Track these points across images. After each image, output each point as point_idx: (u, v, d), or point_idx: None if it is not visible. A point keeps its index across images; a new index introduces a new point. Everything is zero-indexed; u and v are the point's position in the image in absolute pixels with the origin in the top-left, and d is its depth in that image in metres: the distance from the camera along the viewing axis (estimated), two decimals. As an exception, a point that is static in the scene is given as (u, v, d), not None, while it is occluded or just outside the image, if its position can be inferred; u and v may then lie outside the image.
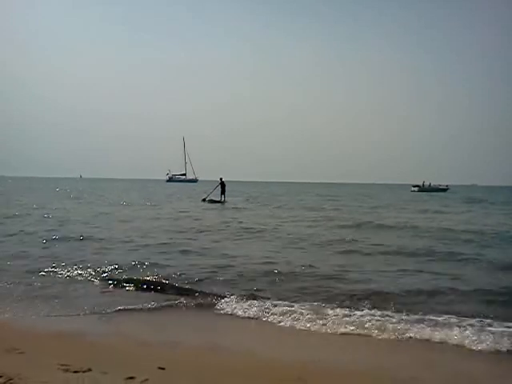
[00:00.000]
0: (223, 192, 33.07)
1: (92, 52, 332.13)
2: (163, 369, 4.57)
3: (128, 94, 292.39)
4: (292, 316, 6.57)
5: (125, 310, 6.92)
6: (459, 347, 5.57)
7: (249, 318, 6.71)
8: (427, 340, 5.78)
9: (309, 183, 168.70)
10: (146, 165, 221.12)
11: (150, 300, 7.35)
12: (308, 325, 6.31)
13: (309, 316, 6.52)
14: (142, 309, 7.00)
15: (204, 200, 33.64)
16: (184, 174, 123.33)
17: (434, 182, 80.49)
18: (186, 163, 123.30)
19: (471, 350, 5.50)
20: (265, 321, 6.58)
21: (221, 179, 32.94)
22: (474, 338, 5.67)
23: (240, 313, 6.84)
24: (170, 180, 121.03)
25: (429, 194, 68.23)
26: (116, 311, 6.86)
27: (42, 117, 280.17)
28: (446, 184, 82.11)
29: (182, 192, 56.91)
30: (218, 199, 32.90)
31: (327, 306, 7.00)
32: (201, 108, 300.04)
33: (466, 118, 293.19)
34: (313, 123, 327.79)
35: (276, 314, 6.68)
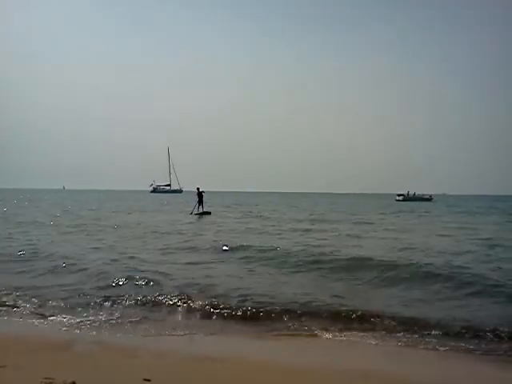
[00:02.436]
0: (201, 202, 31.86)
1: (74, 60, 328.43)
2: (149, 380, 4.51)
3: (112, 102, 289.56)
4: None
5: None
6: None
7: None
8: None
9: (295, 193, 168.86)
10: (130, 175, 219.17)
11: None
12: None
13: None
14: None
15: (192, 213, 31.82)
16: (169, 185, 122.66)
17: (418, 192, 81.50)
18: (170, 174, 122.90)
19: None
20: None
21: (198, 189, 31.61)
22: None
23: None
24: (155, 191, 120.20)
25: (414, 203, 69.00)
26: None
27: (23, 127, 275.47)
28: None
29: (163, 203, 56.39)
30: (200, 211, 31.59)
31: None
32: (187, 117, 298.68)
33: (436, 131, 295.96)
34: (302, 131, 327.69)
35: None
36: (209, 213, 31.91)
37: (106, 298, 8.11)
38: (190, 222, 26.11)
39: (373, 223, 26.73)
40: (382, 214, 38.55)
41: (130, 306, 7.81)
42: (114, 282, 9.27)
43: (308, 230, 21.21)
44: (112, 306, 7.78)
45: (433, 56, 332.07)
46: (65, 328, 6.59)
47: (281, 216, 33.10)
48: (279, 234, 19.70)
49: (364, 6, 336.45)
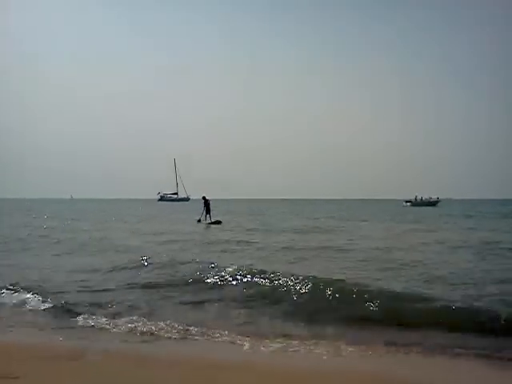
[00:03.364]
0: (208, 211, 30.84)
1: (81, 70, 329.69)
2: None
3: (120, 110, 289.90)
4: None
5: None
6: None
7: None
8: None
9: (305, 200, 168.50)
10: (137, 184, 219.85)
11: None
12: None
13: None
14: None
15: (199, 221, 31.11)
16: (176, 193, 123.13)
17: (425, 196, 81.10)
18: (177, 183, 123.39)
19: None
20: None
21: (204, 198, 30.77)
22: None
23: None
24: (162, 199, 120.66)
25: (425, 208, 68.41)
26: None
27: (29, 136, 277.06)
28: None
29: (170, 212, 56.51)
30: (209, 220, 30.44)
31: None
32: (194, 124, 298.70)
33: (440, 135, 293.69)
34: (310, 136, 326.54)
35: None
36: (219, 222, 30.50)
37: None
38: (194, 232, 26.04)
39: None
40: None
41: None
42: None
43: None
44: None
45: (433, 56, 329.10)
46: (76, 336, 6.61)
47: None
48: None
49: (364, 5, 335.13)
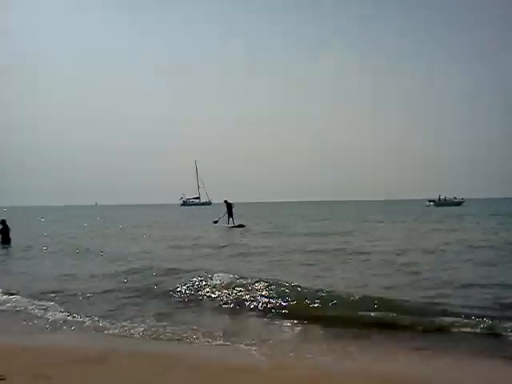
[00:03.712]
0: (230, 215, 30.60)
1: (102, 80, 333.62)
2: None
3: (140, 116, 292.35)
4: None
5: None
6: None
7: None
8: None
9: (328, 201, 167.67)
10: (159, 189, 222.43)
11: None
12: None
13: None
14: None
15: (215, 222, 31.41)
16: (198, 198, 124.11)
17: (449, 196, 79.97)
18: (199, 187, 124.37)
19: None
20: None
21: (226, 201, 30.64)
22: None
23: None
24: (184, 204, 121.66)
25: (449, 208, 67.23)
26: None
27: (53, 145, 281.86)
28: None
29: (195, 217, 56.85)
30: (231, 224, 30.24)
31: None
32: (215, 127, 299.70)
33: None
34: (330, 138, 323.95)
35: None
36: (243, 225, 30.31)
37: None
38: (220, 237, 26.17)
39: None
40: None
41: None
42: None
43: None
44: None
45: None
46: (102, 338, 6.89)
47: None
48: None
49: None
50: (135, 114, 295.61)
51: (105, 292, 10.16)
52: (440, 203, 76.84)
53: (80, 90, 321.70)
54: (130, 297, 9.72)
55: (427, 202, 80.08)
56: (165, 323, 7.58)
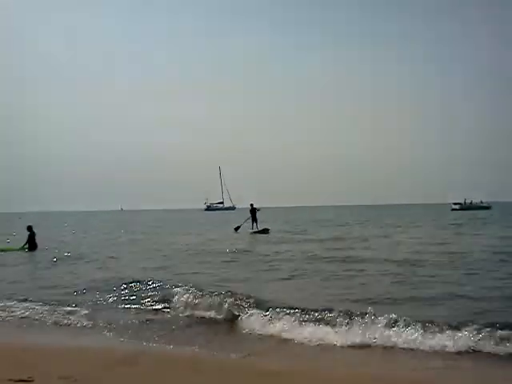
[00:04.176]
0: (254, 220, 29.50)
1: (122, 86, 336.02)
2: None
3: (162, 122, 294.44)
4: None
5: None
6: None
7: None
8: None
9: (349, 206, 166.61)
10: (183, 193, 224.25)
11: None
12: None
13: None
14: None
15: (236, 229, 30.26)
16: (222, 203, 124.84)
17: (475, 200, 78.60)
18: (222, 192, 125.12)
19: None
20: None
21: (251, 205, 29.68)
22: None
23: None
24: (208, 209, 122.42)
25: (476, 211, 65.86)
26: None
27: (79, 149, 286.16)
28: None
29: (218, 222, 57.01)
30: (255, 229, 28.95)
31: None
32: (238, 132, 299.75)
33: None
34: (345, 142, 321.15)
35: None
36: (267, 230, 28.89)
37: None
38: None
39: None
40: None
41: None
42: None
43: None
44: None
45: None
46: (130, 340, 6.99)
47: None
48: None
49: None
50: (160, 117, 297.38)
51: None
52: (466, 207, 75.55)
53: (100, 91, 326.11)
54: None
55: (452, 205, 78.67)
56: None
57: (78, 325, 8.12)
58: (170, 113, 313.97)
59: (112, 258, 17.42)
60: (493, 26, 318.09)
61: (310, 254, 16.90)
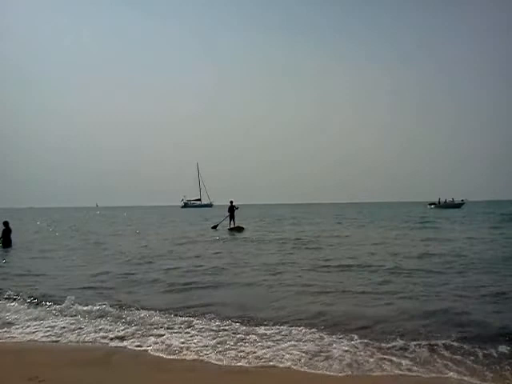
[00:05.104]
0: (232, 217, 29.58)
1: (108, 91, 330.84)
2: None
3: (141, 117, 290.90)
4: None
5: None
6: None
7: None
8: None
9: (329, 204, 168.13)
10: (160, 191, 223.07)
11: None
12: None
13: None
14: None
15: (214, 227, 30.52)
16: (199, 200, 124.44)
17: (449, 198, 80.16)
18: (200, 188, 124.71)
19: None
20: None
21: (231, 202, 29.53)
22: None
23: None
24: (185, 206, 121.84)
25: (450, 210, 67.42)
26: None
27: (51, 146, 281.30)
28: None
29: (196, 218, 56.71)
30: (232, 226, 29.19)
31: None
32: (215, 130, 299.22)
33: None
34: (328, 141, 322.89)
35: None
36: (241, 228, 29.09)
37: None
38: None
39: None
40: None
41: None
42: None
43: None
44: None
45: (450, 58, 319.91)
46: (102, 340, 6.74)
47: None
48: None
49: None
50: (135, 114, 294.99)
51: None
52: (441, 205, 77.24)
53: (78, 91, 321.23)
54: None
55: (428, 205, 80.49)
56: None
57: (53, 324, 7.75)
58: (145, 111, 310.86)
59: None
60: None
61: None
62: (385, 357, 5.74)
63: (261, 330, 6.96)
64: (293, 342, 6.30)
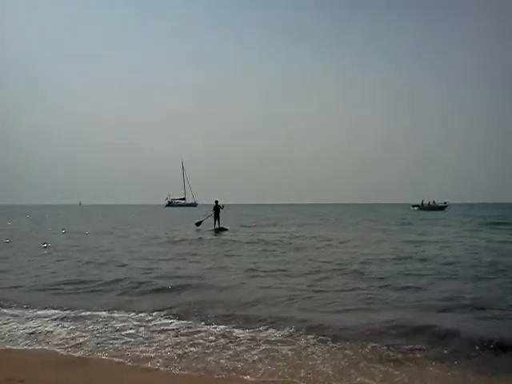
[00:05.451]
0: (217, 217, 28.93)
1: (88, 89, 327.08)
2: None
3: (126, 115, 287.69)
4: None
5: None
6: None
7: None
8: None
9: (319, 204, 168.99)
10: (144, 189, 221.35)
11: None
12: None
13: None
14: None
15: (198, 224, 30.10)
16: (183, 199, 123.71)
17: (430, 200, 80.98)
18: (185, 188, 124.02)
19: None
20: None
21: (216, 202, 28.74)
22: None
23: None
24: (170, 205, 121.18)
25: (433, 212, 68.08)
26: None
27: (36, 140, 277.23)
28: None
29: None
30: (217, 226, 28.67)
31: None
32: (201, 130, 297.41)
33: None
34: (317, 144, 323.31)
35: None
36: (225, 229, 28.76)
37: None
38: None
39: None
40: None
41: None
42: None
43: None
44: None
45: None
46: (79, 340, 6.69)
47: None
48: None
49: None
50: (125, 112, 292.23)
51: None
52: (424, 207, 77.99)
53: (63, 86, 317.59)
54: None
55: (411, 207, 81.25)
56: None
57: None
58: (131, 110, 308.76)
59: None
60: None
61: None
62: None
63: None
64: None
